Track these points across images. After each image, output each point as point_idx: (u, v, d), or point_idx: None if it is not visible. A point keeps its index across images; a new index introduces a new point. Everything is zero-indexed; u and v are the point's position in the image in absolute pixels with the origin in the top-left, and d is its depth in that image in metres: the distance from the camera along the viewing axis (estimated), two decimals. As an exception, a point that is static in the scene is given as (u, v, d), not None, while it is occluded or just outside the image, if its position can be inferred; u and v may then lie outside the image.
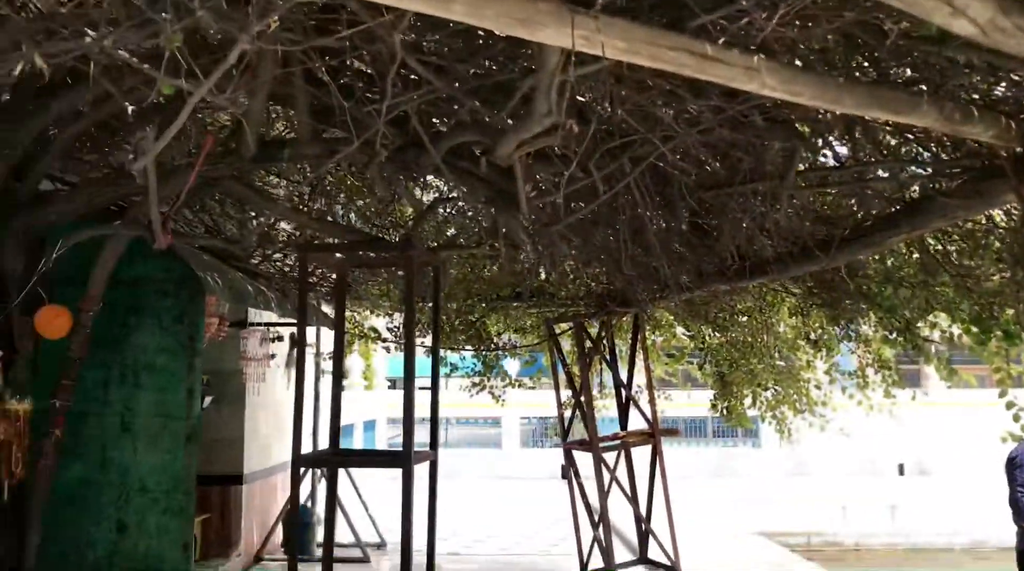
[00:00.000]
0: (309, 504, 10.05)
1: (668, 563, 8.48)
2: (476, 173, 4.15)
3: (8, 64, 3.03)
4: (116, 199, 5.38)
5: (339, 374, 6.15)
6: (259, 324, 9.44)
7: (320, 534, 10.35)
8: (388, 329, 9.47)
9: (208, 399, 9.00)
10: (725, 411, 10.39)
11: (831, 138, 4.74)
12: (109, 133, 6.45)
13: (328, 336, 10.86)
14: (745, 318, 8.88)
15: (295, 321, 9.48)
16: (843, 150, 4.90)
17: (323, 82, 3.80)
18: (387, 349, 9.75)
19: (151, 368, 6.02)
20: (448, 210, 7.26)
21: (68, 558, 5.87)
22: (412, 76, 3.62)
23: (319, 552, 8.62)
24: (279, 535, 10.01)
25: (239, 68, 3.26)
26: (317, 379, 10.65)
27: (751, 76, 2.67)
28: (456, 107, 4.02)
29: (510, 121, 3.55)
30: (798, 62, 3.42)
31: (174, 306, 6.08)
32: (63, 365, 5.36)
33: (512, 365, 11.81)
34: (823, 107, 3.67)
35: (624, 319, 9.14)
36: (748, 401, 10.13)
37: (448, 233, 7.77)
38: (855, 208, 5.47)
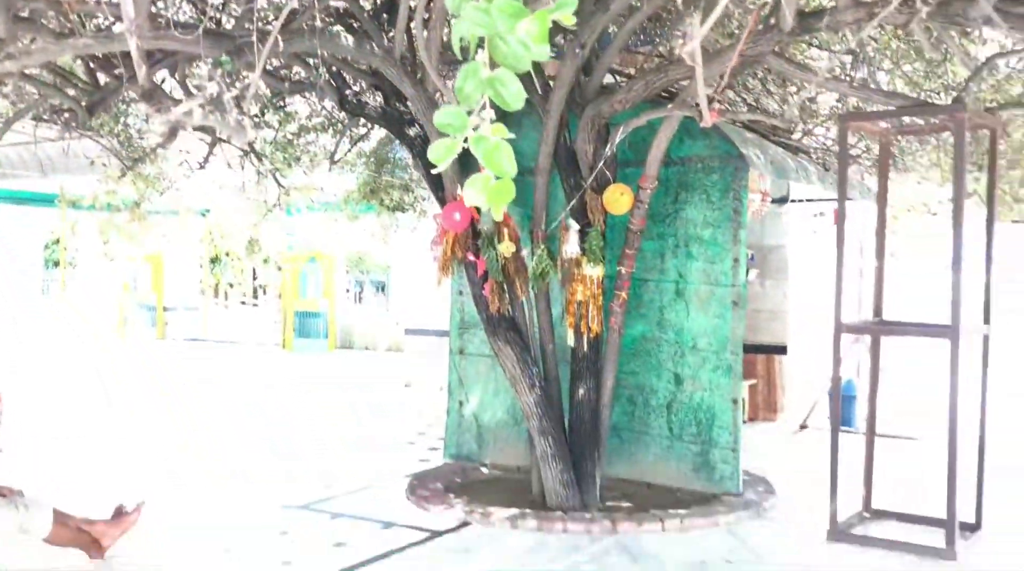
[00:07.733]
0: (855, 377, 10.07)
1: None
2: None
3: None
4: (667, 85, 5.88)
5: (882, 246, 6.08)
6: (801, 200, 9.54)
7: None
8: (939, 203, 8.89)
9: (753, 272, 9.46)
10: None
11: None
12: (659, 25, 7.02)
13: (874, 210, 10.54)
14: None
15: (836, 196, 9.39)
16: None
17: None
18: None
19: (700, 240, 6.57)
20: (1011, 65, 6.53)
21: (635, 401, 6.83)
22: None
23: (864, 426, 8.68)
24: (824, 405, 10.26)
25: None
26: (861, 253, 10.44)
27: None
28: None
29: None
30: None
31: (719, 181, 6.51)
32: (627, 236, 6.13)
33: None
34: None
35: None
36: None
37: (1013, 92, 6.96)
38: None
